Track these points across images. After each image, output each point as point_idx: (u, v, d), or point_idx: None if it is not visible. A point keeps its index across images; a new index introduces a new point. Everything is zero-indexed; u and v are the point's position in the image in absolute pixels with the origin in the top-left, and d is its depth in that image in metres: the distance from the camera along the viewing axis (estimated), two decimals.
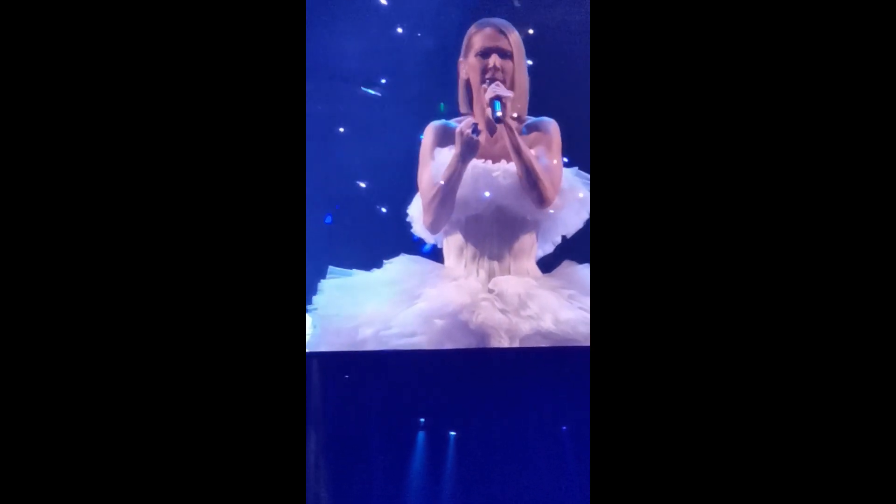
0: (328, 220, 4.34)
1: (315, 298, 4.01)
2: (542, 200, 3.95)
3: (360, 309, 3.94)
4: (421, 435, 3.81)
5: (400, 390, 3.77)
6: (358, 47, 4.56)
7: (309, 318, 3.97)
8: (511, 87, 4.00)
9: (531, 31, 4.55)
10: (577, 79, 4.27)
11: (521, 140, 3.96)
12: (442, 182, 3.93)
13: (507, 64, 4.03)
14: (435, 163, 4.02)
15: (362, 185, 4.47)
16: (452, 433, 3.82)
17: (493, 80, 4.00)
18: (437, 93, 4.42)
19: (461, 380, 3.77)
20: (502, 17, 4.16)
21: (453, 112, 4.19)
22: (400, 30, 4.53)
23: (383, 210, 4.41)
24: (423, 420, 3.83)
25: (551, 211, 4.01)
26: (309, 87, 4.18)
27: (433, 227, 4.03)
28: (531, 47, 4.22)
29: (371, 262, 4.11)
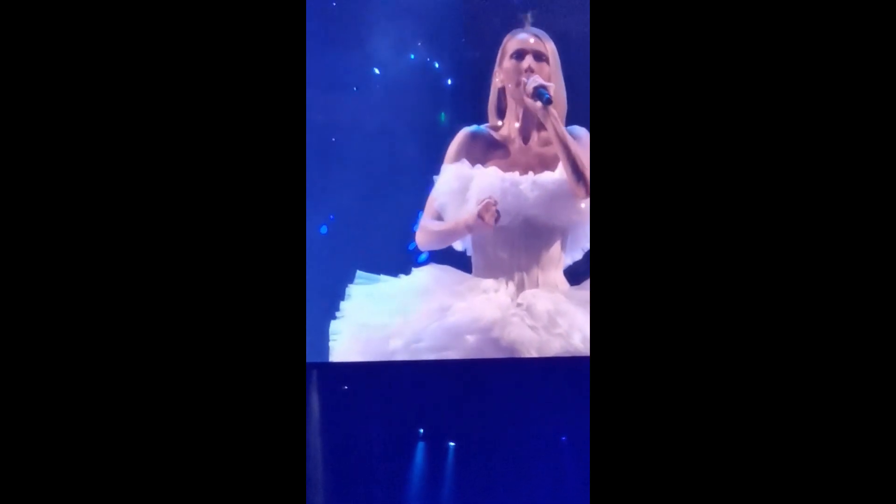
0: (323, 230, 4.35)
1: (343, 305, 4.04)
2: (588, 189, 3.94)
3: (390, 319, 3.96)
4: (421, 445, 3.85)
5: (398, 400, 3.80)
6: (357, 57, 4.54)
7: (333, 325, 4.00)
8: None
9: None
10: (578, 88, 4.27)
11: (566, 133, 3.96)
12: (445, 229, 4.01)
13: (543, 67, 4.02)
14: (446, 178, 4.04)
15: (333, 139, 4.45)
16: (451, 444, 3.87)
17: (530, 71, 4.00)
18: (436, 103, 4.41)
19: (461, 389, 3.81)
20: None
21: (453, 122, 4.18)
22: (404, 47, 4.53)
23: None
24: (421, 430, 3.88)
25: (583, 206, 4.02)
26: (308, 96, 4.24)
27: (421, 246, 4.10)
28: None
29: (400, 268, 4.13)
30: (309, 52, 3.32)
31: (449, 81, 4.60)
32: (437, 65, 4.48)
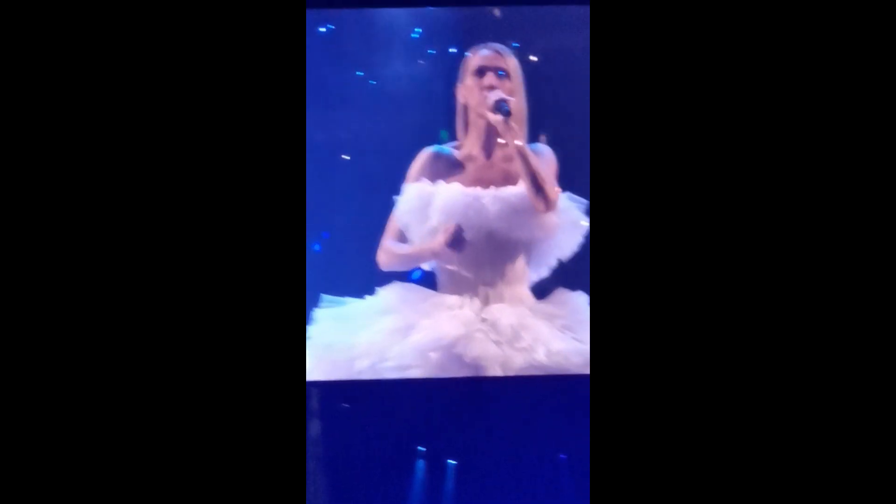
0: (316, 247, 4.34)
1: (310, 328, 4.03)
2: (547, 203, 3.94)
3: (356, 339, 3.96)
4: (420, 463, 3.85)
5: (398, 419, 3.82)
6: (357, 74, 4.53)
7: None
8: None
9: (534, 58, 4.53)
10: (578, 105, 4.26)
11: (526, 146, 3.96)
12: (410, 253, 4.02)
13: (505, 83, 4.01)
14: (407, 196, 4.05)
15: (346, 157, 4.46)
16: (451, 462, 3.87)
17: (491, 87, 4.00)
18: (439, 120, 4.40)
19: (459, 408, 3.84)
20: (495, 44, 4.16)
21: (454, 139, 4.18)
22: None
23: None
24: (422, 448, 3.88)
25: (547, 221, 4.02)
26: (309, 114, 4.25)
27: (383, 267, 4.07)
28: (535, 73, 4.22)
29: (363, 288, 4.11)
30: (309, 70, 3.39)
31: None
32: (437, 81, 4.48)
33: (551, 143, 4.17)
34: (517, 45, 4.15)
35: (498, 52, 4.05)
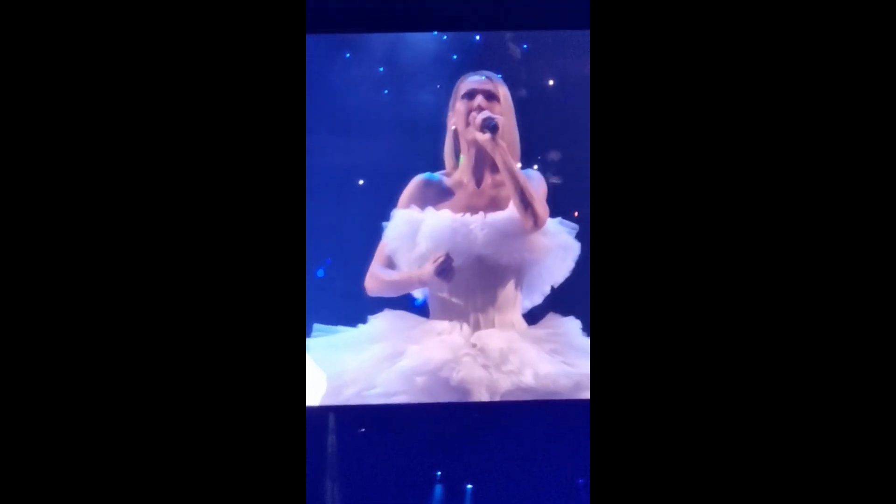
0: (320, 273, 4.35)
1: None
2: (536, 220, 3.93)
3: (345, 367, 3.95)
4: (438, 488, 3.85)
5: (411, 443, 3.88)
6: (366, 100, 4.56)
7: None
8: (504, 139, 3.99)
9: (552, 83, 4.54)
10: (578, 133, 4.27)
11: (513, 162, 3.95)
12: (398, 280, 4.02)
13: (495, 106, 4.00)
14: (396, 223, 4.05)
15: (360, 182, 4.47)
16: (469, 486, 3.88)
17: (479, 109, 4.00)
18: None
19: (464, 433, 3.86)
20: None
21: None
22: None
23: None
24: (439, 473, 3.87)
25: (538, 243, 4.00)
26: (318, 140, 4.26)
27: (371, 292, 4.07)
28: (548, 98, 4.21)
29: (355, 317, 4.11)
30: (318, 94, 3.39)
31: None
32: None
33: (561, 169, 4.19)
34: (500, 76, 4.16)
35: (488, 77, 4.06)
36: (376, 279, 4.05)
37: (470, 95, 4.03)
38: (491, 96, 4.03)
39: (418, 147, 4.41)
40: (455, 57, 4.50)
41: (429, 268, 3.94)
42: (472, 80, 4.06)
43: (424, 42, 4.52)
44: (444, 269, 3.91)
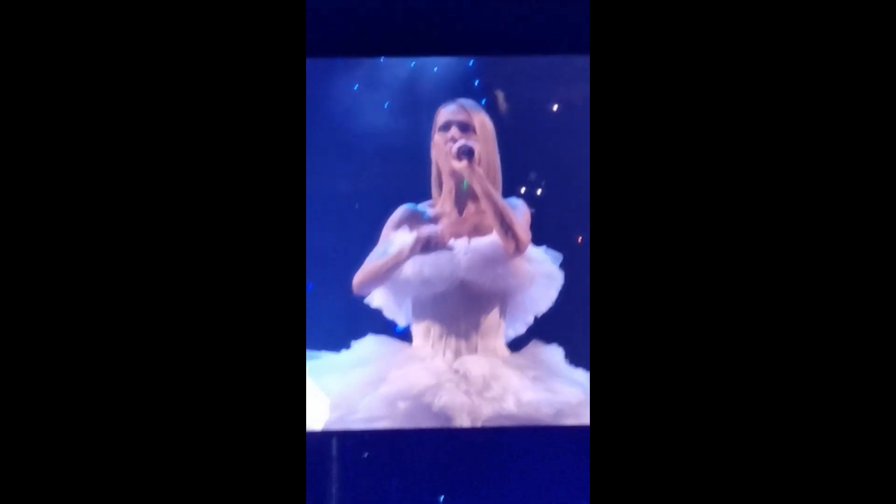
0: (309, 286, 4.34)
1: None
2: (517, 243, 3.94)
3: (327, 392, 3.95)
4: None
5: (411, 469, 3.89)
6: (371, 123, 4.57)
7: None
8: (480, 165, 4.00)
9: (556, 107, 4.56)
10: (560, 160, 4.29)
11: (490, 186, 3.97)
12: (383, 259, 4.00)
13: (470, 137, 4.01)
14: (384, 243, 4.06)
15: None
16: None
17: (453, 139, 4.02)
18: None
19: (465, 458, 3.87)
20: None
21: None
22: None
23: None
24: (442, 497, 3.89)
25: (522, 269, 4.01)
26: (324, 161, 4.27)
27: (358, 289, 4.05)
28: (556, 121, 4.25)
29: (342, 341, 4.11)
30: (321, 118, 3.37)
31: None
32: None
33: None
34: (484, 101, 4.17)
35: (462, 106, 4.07)
36: (362, 271, 4.03)
37: (445, 127, 4.05)
38: (465, 127, 4.04)
39: (412, 171, 4.43)
40: (477, 84, 4.52)
41: (408, 239, 3.96)
42: (447, 111, 4.07)
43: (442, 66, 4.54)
44: (427, 244, 3.93)
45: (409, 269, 3.98)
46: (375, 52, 4.43)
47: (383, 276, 4.02)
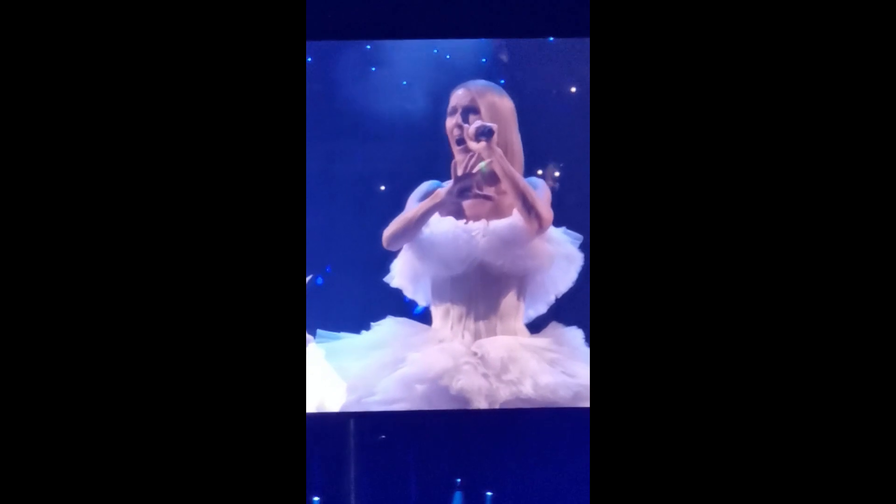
0: (319, 281, 4.35)
1: None
2: (540, 221, 3.94)
3: (345, 374, 3.96)
4: (458, 495, 3.87)
5: (428, 451, 3.91)
6: (384, 108, 4.56)
7: None
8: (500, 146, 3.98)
9: (574, 90, 4.54)
10: (578, 142, 4.28)
11: (510, 166, 3.95)
12: (415, 211, 3.98)
13: (475, 121, 3.99)
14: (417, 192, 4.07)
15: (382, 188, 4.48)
16: (489, 493, 3.94)
17: (459, 126, 4.01)
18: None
19: (468, 441, 3.88)
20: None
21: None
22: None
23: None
24: (459, 480, 3.90)
25: (542, 251, 4.00)
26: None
27: (389, 242, 4.01)
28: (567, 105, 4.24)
29: (361, 323, 4.11)
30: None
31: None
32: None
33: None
34: (503, 81, 4.16)
35: (469, 89, 4.05)
36: (392, 225, 4.00)
37: (452, 112, 4.05)
38: (470, 111, 4.02)
39: (429, 155, 4.42)
40: (484, 60, 4.50)
41: (443, 190, 3.95)
42: (456, 95, 4.06)
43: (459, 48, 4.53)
44: (483, 131, 3.92)
45: (427, 247, 3.97)
46: (376, 35, 4.42)
47: (416, 223, 3.97)
